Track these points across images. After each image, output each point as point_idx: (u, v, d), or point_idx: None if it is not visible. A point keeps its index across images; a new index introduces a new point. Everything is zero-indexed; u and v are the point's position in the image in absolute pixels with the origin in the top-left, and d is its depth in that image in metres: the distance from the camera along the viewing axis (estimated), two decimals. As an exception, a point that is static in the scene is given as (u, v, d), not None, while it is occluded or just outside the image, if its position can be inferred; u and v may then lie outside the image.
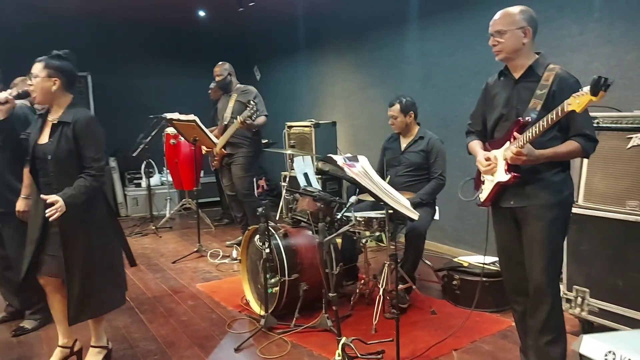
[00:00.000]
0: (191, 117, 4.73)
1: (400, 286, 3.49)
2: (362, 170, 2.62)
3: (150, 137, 6.11)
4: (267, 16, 6.91)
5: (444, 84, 4.91)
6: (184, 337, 3.28)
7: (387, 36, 5.57)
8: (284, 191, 4.80)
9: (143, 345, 3.18)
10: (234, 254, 4.97)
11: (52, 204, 2.45)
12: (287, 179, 3.76)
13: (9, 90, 2.71)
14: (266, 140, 6.06)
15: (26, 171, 3.26)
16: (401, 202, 2.86)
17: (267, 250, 3.27)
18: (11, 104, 2.67)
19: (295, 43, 7.08)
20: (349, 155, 2.66)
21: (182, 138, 6.29)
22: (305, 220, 3.47)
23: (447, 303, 3.68)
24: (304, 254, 3.46)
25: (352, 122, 6.28)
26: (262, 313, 3.38)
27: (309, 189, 3.50)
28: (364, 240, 3.70)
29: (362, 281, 3.73)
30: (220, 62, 5.24)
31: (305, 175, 4.10)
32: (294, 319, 3.32)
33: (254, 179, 5.41)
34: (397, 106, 3.88)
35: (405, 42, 5.36)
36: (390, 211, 2.95)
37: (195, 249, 5.14)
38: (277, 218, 6.10)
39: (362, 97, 6.10)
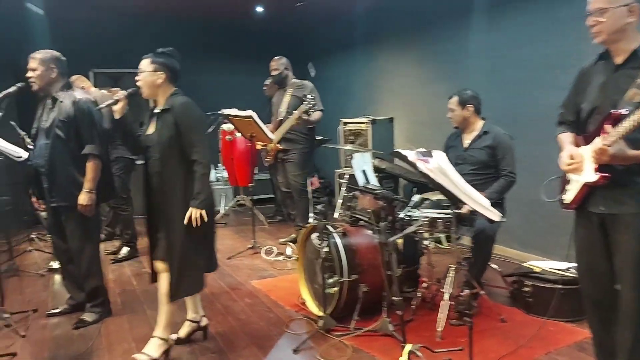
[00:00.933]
0: (248, 112, 4.68)
1: (467, 291, 3.29)
2: (438, 166, 2.42)
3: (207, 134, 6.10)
4: (325, 11, 6.81)
5: (513, 78, 4.63)
6: (241, 336, 3.21)
7: (452, 28, 5.34)
8: (342, 188, 4.67)
9: (201, 342, 3.13)
10: (288, 251, 4.89)
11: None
12: (347, 176, 3.63)
13: (122, 92, 2.86)
14: (320, 137, 5.95)
15: (89, 165, 3.29)
16: (480, 202, 2.66)
17: (326, 250, 3.16)
18: (123, 103, 2.82)
19: (352, 37, 6.92)
20: (422, 149, 2.48)
21: (238, 134, 6.30)
22: (365, 219, 3.32)
23: (517, 311, 3.44)
24: (364, 254, 3.32)
25: (411, 118, 6.08)
26: (320, 314, 3.26)
27: (370, 187, 3.35)
28: (426, 242, 3.51)
29: (425, 285, 3.55)
30: (276, 57, 5.18)
31: (364, 172, 3.94)
32: (353, 321, 3.19)
33: (309, 176, 5.31)
34: (455, 98, 3.66)
35: (471, 34, 5.10)
36: (461, 211, 2.76)
37: (250, 246, 5.09)
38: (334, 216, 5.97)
39: (423, 93, 5.89)
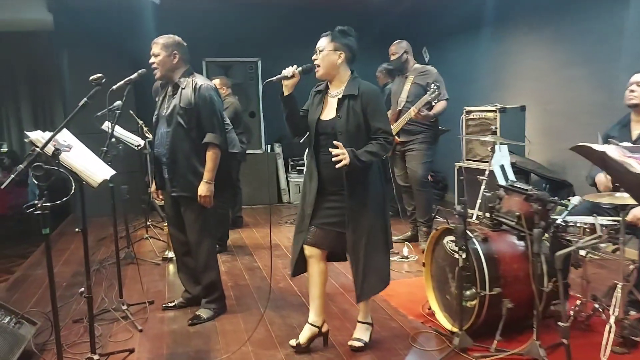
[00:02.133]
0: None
1: (633, 314, 2.73)
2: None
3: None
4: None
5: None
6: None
7: (599, 5, 4.62)
8: (482, 187, 4.18)
9: (321, 351, 2.85)
10: (405, 251, 4.50)
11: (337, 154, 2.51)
12: (487, 172, 3.19)
13: (294, 66, 2.68)
14: (441, 127, 5.47)
15: (209, 155, 3.12)
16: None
17: (464, 257, 2.75)
18: (297, 79, 2.65)
19: (476, 18, 6.30)
20: (627, 144, 1.98)
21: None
22: (512, 223, 2.85)
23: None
24: (508, 264, 2.86)
25: (544, 107, 5.41)
26: (454, 330, 2.87)
27: (519, 186, 2.87)
28: (583, 252, 2.96)
29: (578, 302, 3.02)
30: (397, 40, 4.78)
31: (502, 167, 3.46)
32: (495, 341, 2.75)
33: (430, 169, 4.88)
34: None
35: (623, 10, 4.37)
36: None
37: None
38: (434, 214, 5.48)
39: (559, 78, 5.20)
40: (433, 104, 4.52)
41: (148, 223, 5.48)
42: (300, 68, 2.66)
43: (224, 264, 4.45)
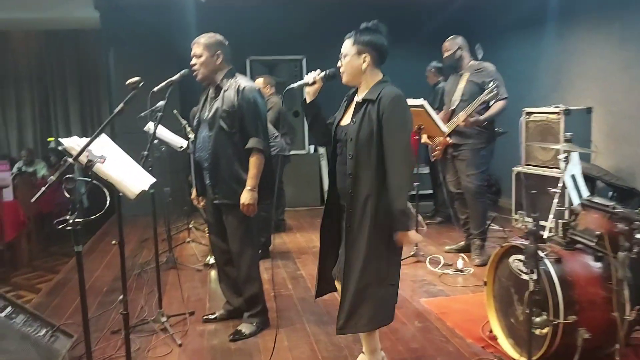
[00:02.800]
0: (420, 101, 4.06)
1: None
2: None
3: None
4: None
5: None
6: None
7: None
8: (555, 200, 3.82)
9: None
10: (460, 264, 4.20)
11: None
12: (562, 183, 2.86)
13: (317, 71, 2.44)
14: (497, 129, 5.12)
15: (252, 160, 2.94)
16: None
17: (534, 279, 2.45)
18: (319, 85, 2.40)
19: (536, 14, 5.88)
20: None
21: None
22: (592, 243, 2.53)
23: None
24: (583, 288, 2.54)
25: (609, 108, 4.98)
26: (522, 359, 2.57)
27: (601, 202, 2.55)
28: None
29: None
30: (451, 36, 4.46)
31: (573, 177, 3.13)
32: (569, 375, 2.45)
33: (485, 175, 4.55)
34: None
35: None
36: None
37: (412, 253, 4.49)
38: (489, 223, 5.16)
39: (627, 78, 4.78)
40: (490, 103, 4.20)
41: (190, 226, 5.36)
42: (322, 74, 2.42)
43: (266, 272, 4.25)
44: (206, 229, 5.45)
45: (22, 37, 8.88)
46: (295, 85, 2.48)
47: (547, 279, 2.49)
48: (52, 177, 1.76)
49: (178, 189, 5.82)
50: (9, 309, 2.60)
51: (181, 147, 4.77)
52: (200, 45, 2.95)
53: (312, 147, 7.20)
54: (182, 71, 2.93)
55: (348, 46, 2.34)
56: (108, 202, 1.87)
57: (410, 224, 2.26)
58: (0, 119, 9.01)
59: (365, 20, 2.40)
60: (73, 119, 9.03)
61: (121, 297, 2.49)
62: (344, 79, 2.37)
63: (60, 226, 1.78)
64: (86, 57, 8.84)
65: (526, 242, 2.45)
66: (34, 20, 7.19)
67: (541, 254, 2.53)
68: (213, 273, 4.32)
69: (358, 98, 2.36)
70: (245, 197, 2.92)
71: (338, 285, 2.45)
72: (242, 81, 2.99)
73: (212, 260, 4.43)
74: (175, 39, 6.38)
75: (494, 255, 2.90)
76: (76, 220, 1.77)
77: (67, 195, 1.78)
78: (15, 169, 6.75)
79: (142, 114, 3.55)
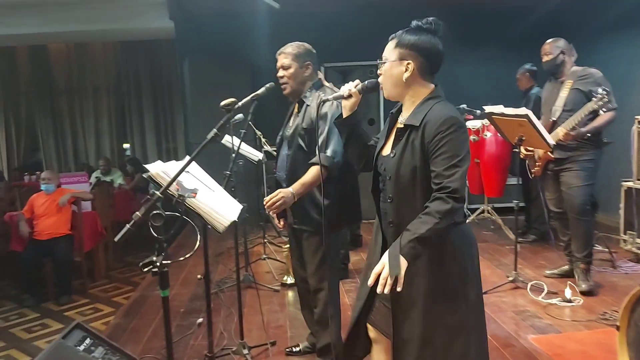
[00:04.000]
0: (523, 111, 3.64)
1: None
2: None
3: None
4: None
5: None
6: None
7: None
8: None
9: None
10: (568, 293, 3.70)
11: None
12: None
13: (355, 81, 1.98)
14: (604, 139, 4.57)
15: (312, 170, 2.57)
16: None
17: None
18: (356, 98, 1.94)
19: (637, 11, 5.29)
20: None
21: (488, 134, 5.29)
22: None
23: None
24: None
25: None
26: None
27: None
28: None
29: None
30: (552, 38, 3.99)
31: None
32: None
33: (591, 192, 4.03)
34: None
35: None
36: None
37: (510, 278, 4.03)
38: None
39: None
40: (601, 112, 3.71)
41: (265, 240, 5.17)
42: (360, 85, 1.94)
43: (346, 294, 3.97)
44: (280, 243, 5.28)
45: (100, 49, 9.12)
46: (330, 97, 2.07)
47: None
48: (138, 213, 1.53)
49: (252, 203, 5.65)
50: (87, 340, 2.44)
51: (258, 160, 4.59)
52: (288, 56, 2.67)
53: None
54: (268, 85, 2.67)
55: (389, 50, 1.85)
56: (199, 241, 1.62)
57: (417, 255, 1.67)
58: (79, 129, 9.28)
59: (445, 23, 1.90)
60: (148, 127, 9.16)
61: (199, 320, 2.22)
62: (384, 93, 1.88)
63: (146, 269, 1.55)
64: (161, 67, 8.95)
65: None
66: (111, 31, 7.32)
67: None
68: (291, 294, 4.08)
69: (401, 120, 1.87)
70: (280, 195, 2.50)
71: (374, 332, 2.00)
72: (325, 94, 2.63)
73: (289, 280, 4.20)
74: (249, 47, 6.29)
75: (630, 297, 2.44)
76: (163, 262, 1.54)
77: (155, 235, 1.54)
78: (93, 179, 6.85)
79: (216, 129, 3.34)
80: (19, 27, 6.94)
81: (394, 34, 1.87)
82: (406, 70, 1.79)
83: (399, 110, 1.92)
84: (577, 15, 6.47)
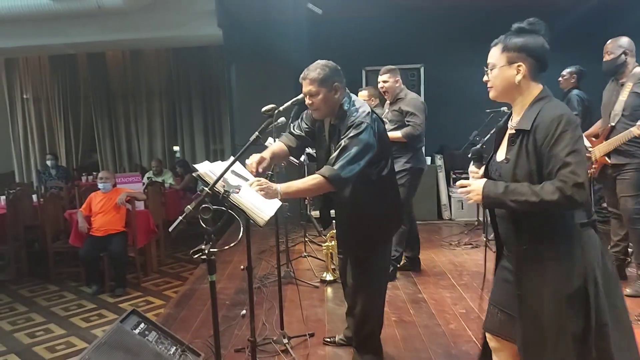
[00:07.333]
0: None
1: None
2: None
3: (488, 135, 5.31)
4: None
5: None
6: None
7: None
8: None
9: None
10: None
11: None
12: None
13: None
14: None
15: (314, 178, 2.50)
16: None
17: None
18: None
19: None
20: None
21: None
22: None
23: None
24: None
25: None
26: None
27: None
28: None
29: None
30: (615, 37, 3.88)
31: None
32: None
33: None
34: None
35: None
36: None
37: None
38: None
39: None
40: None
41: (306, 239, 5.36)
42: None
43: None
44: (321, 242, 5.44)
45: (153, 55, 9.57)
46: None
47: None
48: (189, 207, 1.73)
49: (294, 203, 5.86)
50: (142, 325, 2.69)
51: (299, 161, 4.77)
52: (314, 82, 2.55)
53: (428, 158, 6.93)
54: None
55: (496, 55, 1.86)
56: (242, 233, 1.81)
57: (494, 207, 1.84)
58: (133, 131, 9.77)
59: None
60: (197, 130, 9.55)
61: (243, 311, 2.39)
62: (491, 94, 1.90)
63: (196, 256, 1.76)
64: (209, 72, 9.31)
65: None
66: (163, 39, 7.70)
67: None
68: (330, 290, 4.25)
69: (512, 124, 1.88)
70: (267, 185, 2.24)
71: (493, 340, 2.03)
72: (355, 106, 2.65)
73: (329, 277, 4.37)
74: (293, 52, 6.49)
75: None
76: (211, 250, 1.74)
77: (204, 226, 1.74)
78: (145, 179, 7.22)
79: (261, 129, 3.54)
80: (79, 36, 7.42)
81: (496, 40, 1.89)
82: (517, 72, 1.82)
83: (509, 116, 1.95)
84: (620, 15, 6.34)
